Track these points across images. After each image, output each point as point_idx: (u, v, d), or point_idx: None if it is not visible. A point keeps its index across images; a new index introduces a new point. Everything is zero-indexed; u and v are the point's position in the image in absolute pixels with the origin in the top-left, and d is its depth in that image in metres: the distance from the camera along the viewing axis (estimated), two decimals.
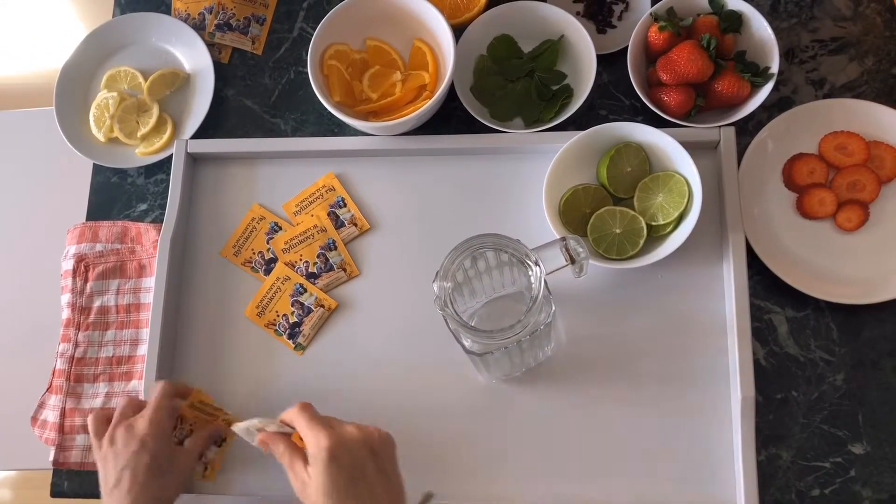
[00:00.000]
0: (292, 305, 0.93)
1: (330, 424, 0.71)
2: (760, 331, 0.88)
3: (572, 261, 0.71)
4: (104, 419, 0.82)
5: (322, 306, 0.93)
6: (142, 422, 0.78)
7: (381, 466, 0.70)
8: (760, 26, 0.90)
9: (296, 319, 0.93)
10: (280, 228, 0.97)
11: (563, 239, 0.72)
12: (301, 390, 0.91)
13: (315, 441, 0.69)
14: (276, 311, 0.93)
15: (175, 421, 0.82)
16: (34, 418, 0.97)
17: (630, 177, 0.89)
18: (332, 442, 0.68)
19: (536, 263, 0.69)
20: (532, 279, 0.69)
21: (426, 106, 0.90)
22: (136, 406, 0.82)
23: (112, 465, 0.77)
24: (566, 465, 0.86)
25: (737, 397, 0.83)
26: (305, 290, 0.93)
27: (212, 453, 0.88)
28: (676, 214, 0.86)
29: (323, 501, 0.67)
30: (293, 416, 0.73)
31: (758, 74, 0.89)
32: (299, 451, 0.72)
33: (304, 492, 0.69)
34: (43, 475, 0.97)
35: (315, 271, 0.94)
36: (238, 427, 0.77)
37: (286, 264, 0.95)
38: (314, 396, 0.91)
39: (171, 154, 0.99)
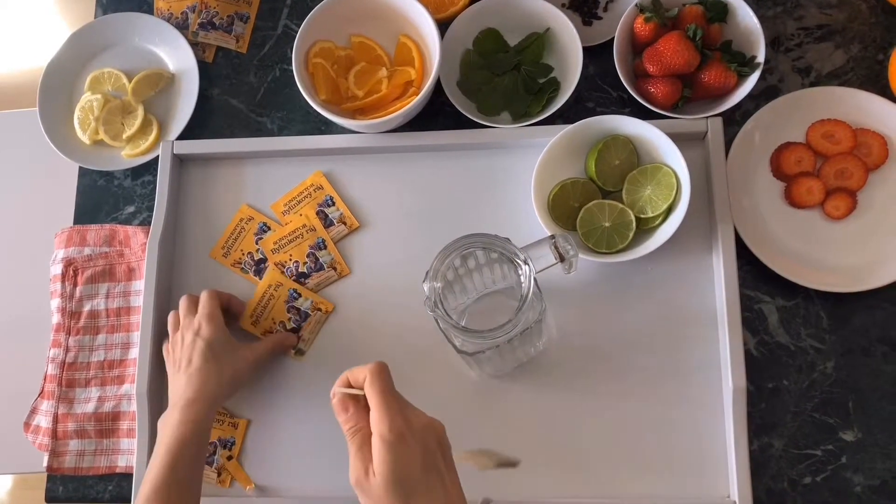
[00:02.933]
0: (288, 311, 0.93)
1: (400, 405, 0.63)
2: (751, 320, 0.89)
3: (562, 259, 0.71)
4: (175, 319, 0.90)
5: (319, 310, 0.92)
6: (197, 316, 0.87)
7: (447, 459, 0.63)
8: (746, 15, 0.90)
9: (293, 325, 0.93)
10: (269, 228, 0.97)
11: (552, 237, 0.72)
12: (302, 393, 0.91)
13: (388, 422, 0.60)
14: (273, 319, 0.93)
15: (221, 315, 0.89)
16: (27, 424, 0.97)
17: (618, 170, 0.89)
18: (405, 426, 0.60)
19: (526, 262, 0.69)
20: (522, 278, 0.69)
21: (413, 102, 0.90)
22: (194, 302, 0.89)
23: (174, 357, 0.87)
24: (559, 458, 0.86)
25: (728, 387, 0.83)
26: (300, 295, 0.93)
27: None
28: (665, 206, 0.86)
29: (389, 490, 0.58)
30: (367, 384, 0.63)
31: (744, 64, 0.89)
32: (368, 434, 0.62)
33: (366, 479, 0.60)
34: (39, 476, 0.97)
35: (305, 271, 0.94)
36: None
37: (276, 265, 0.94)
38: (315, 398, 0.91)
39: (158, 155, 0.98)
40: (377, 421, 0.61)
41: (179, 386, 0.83)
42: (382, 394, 0.62)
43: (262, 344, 0.89)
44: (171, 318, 0.90)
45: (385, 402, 0.61)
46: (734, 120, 0.93)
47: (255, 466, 0.90)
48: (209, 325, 0.85)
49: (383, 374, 0.63)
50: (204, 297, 0.88)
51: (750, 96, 0.90)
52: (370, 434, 0.61)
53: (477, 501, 0.68)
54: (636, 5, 0.91)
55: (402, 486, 0.58)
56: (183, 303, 0.89)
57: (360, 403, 0.64)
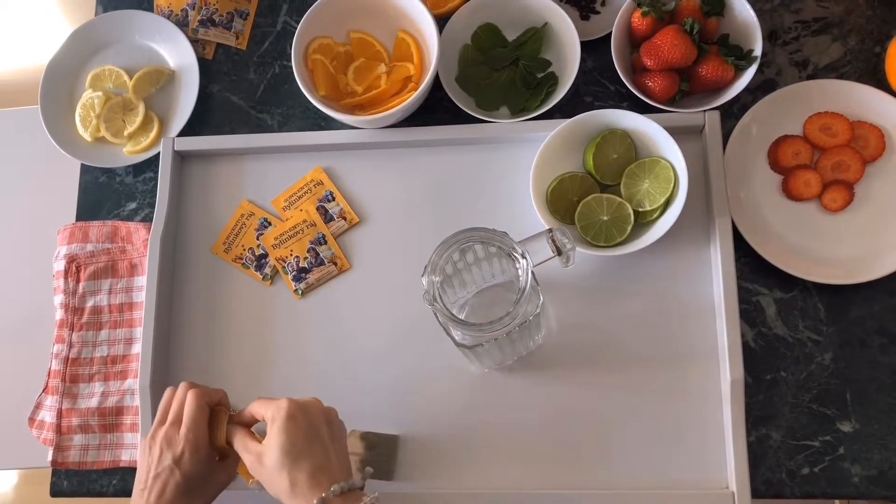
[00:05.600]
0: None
1: (288, 399, 0.74)
2: (749, 312, 0.89)
3: (559, 252, 0.72)
4: (165, 407, 0.79)
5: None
6: (180, 438, 0.75)
7: (333, 434, 0.73)
8: (743, 9, 0.90)
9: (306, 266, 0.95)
10: (269, 224, 0.97)
11: (550, 231, 0.73)
12: (297, 386, 0.92)
13: (275, 406, 0.72)
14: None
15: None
16: (31, 419, 0.98)
17: (616, 163, 0.89)
18: (290, 405, 0.72)
19: (523, 256, 0.69)
20: (519, 272, 0.69)
21: (412, 98, 0.90)
22: (180, 403, 0.78)
23: (145, 467, 0.75)
24: (559, 450, 0.87)
25: (726, 379, 0.84)
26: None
27: None
28: (663, 200, 0.86)
29: (279, 457, 0.69)
30: (251, 406, 0.76)
31: (741, 57, 0.90)
32: (251, 433, 0.76)
33: (260, 461, 0.71)
34: (43, 472, 0.98)
35: (306, 266, 0.94)
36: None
37: (277, 260, 0.95)
38: (312, 393, 0.91)
39: (159, 152, 0.99)
40: (266, 411, 0.73)
41: None
42: (261, 398, 0.75)
43: (226, 472, 0.79)
44: (163, 400, 0.80)
45: (265, 400, 0.74)
46: (732, 113, 0.94)
47: None
48: (192, 458, 0.74)
49: (260, 397, 0.76)
50: (190, 408, 0.76)
51: (747, 90, 0.90)
52: (251, 434, 0.75)
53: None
54: (633, 0, 0.92)
55: (289, 453, 0.69)
56: (175, 406, 0.78)
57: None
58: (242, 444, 0.74)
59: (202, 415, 0.77)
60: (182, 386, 0.79)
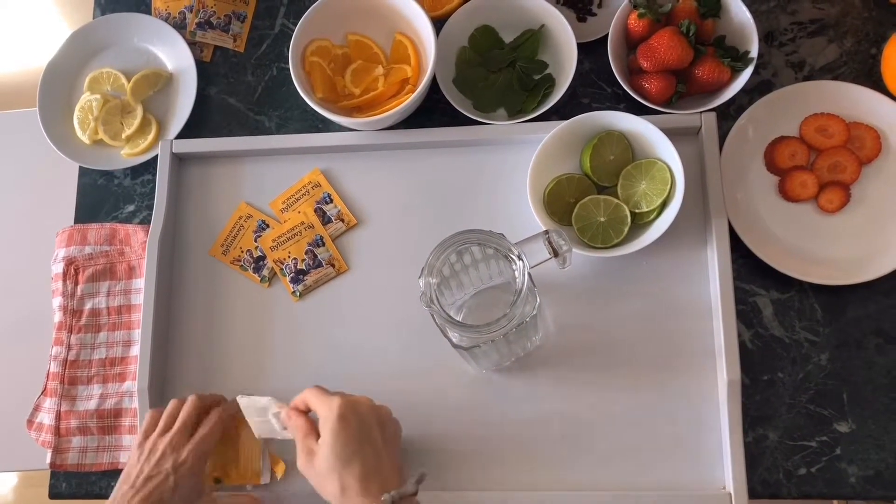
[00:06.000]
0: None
1: (341, 395, 0.74)
2: (745, 313, 0.89)
3: (555, 254, 0.72)
4: (171, 416, 0.82)
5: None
6: (189, 445, 0.78)
7: (386, 437, 0.73)
8: (739, 10, 0.91)
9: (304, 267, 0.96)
10: (267, 226, 0.97)
11: (546, 232, 0.73)
12: (295, 388, 0.92)
13: (328, 405, 0.72)
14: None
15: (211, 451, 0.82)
16: (30, 421, 0.98)
17: (613, 165, 0.90)
18: (342, 404, 0.71)
19: (520, 258, 0.70)
20: (516, 273, 0.70)
21: (409, 100, 0.91)
22: (199, 415, 0.82)
23: (137, 470, 0.77)
24: (556, 451, 0.87)
25: (723, 380, 0.84)
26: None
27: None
28: (660, 201, 0.86)
29: (330, 459, 0.69)
30: (305, 394, 0.76)
31: (738, 59, 0.90)
32: (315, 427, 0.74)
33: (311, 461, 0.71)
34: (42, 474, 0.98)
35: (304, 268, 0.95)
36: (248, 402, 0.81)
37: (275, 262, 0.95)
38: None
39: (157, 154, 0.99)
40: (319, 408, 0.73)
41: None
42: (319, 390, 0.75)
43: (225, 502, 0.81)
44: (168, 410, 0.83)
45: (322, 393, 0.75)
46: (728, 114, 0.94)
47: None
48: (193, 467, 0.77)
49: (318, 387, 0.76)
50: (213, 420, 0.81)
51: (744, 91, 0.90)
52: (311, 429, 0.74)
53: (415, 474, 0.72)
54: (630, 1, 0.92)
55: (340, 456, 0.69)
56: (183, 416, 0.82)
57: (306, 414, 0.77)
58: (301, 438, 0.73)
59: (219, 431, 0.80)
60: (191, 399, 0.82)
